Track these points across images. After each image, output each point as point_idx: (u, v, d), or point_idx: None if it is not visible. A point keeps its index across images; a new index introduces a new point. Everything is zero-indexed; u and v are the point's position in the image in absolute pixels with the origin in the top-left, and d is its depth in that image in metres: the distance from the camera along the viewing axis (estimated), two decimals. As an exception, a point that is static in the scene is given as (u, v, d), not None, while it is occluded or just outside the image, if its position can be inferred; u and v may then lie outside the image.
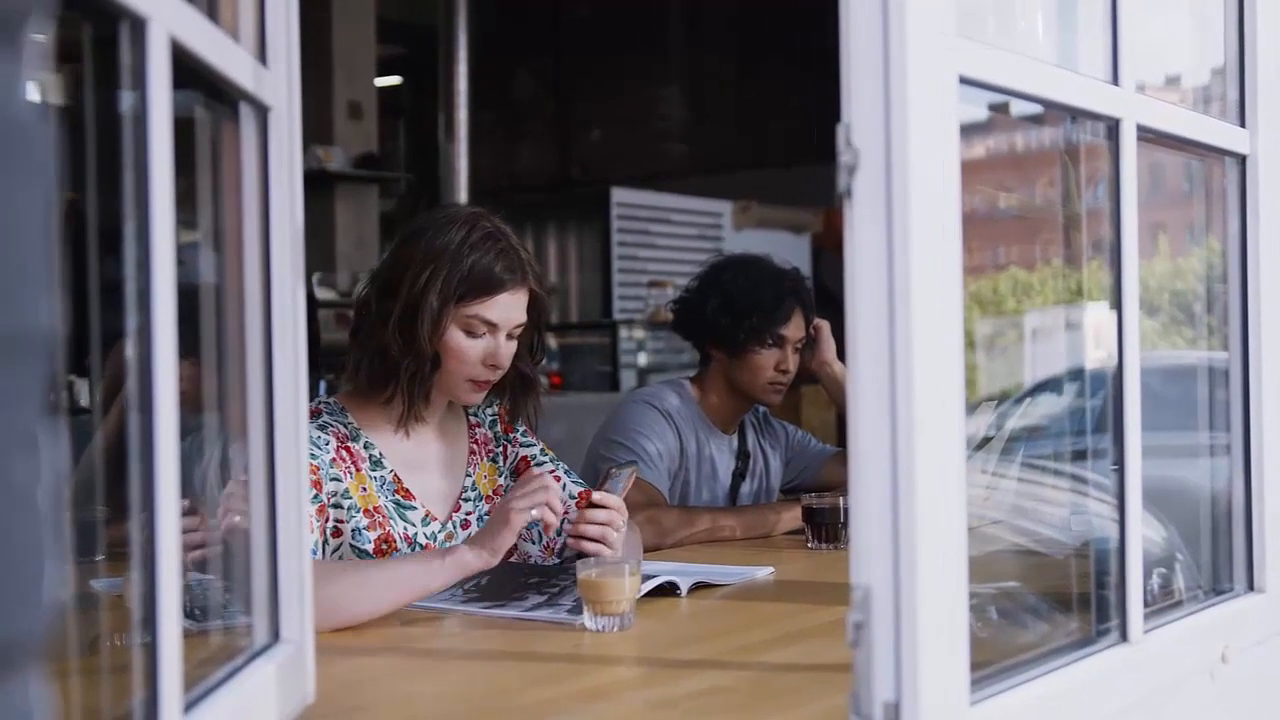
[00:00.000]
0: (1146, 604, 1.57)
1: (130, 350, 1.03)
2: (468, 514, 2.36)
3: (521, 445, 2.47)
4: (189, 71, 1.13)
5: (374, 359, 2.24)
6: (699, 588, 2.21)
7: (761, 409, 3.25)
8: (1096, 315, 1.91)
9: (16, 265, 0.57)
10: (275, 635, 1.39)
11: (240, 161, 1.36)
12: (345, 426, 2.25)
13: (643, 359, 7.59)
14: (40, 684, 0.61)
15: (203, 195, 1.36)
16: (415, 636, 1.91)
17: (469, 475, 2.39)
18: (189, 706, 1.11)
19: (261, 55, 1.37)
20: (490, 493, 2.40)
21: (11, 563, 0.58)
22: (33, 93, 0.60)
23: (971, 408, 1.32)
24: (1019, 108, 1.57)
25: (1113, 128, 1.54)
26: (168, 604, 1.03)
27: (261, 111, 1.36)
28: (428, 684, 1.70)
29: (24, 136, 0.58)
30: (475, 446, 2.42)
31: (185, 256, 1.12)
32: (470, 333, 2.23)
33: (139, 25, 1.01)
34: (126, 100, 1.03)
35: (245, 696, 1.25)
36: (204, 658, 1.31)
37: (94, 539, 1.45)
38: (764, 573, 2.39)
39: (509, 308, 2.24)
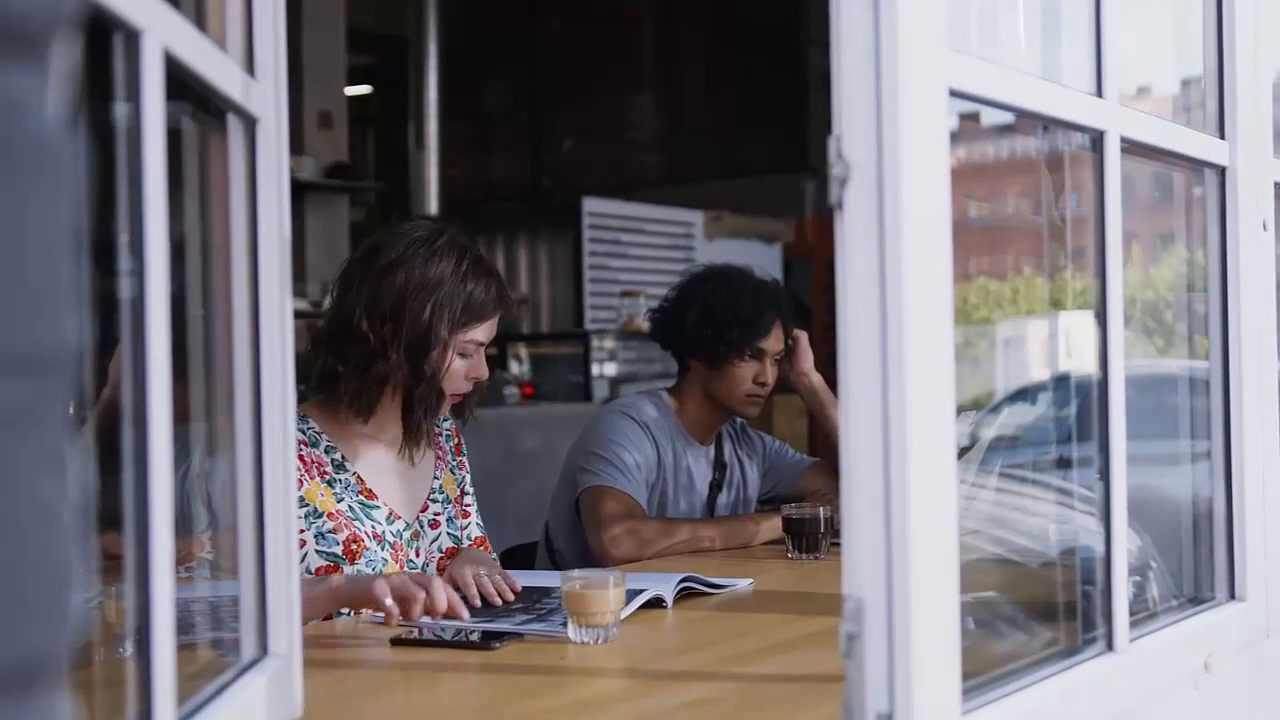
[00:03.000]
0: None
1: (123, 362, 1.03)
2: (436, 514, 2.44)
3: (466, 471, 2.56)
4: (178, 82, 1.12)
5: (375, 386, 2.29)
6: (685, 595, 2.21)
7: (739, 419, 3.25)
8: (1069, 325, 1.92)
9: (43, 281, 0.57)
10: (264, 649, 1.38)
11: (227, 173, 1.36)
12: (303, 432, 2.27)
13: (615, 369, 7.58)
14: (67, 699, 0.61)
15: (190, 206, 1.35)
16: (402, 651, 1.90)
17: (436, 478, 2.47)
18: (181, 722, 1.10)
19: (249, 67, 1.36)
20: (453, 499, 2.49)
21: (41, 579, 0.57)
22: (57, 109, 0.60)
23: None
24: (989, 117, 1.58)
25: (1097, 139, 1.55)
26: (162, 619, 1.02)
27: (250, 123, 1.36)
28: (415, 698, 1.69)
29: (51, 152, 0.58)
30: (440, 452, 2.50)
31: (172, 268, 1.11)
32: (463, 355, 2.33)
33: (133, 37, 1.00)
34: (119, 111, 1.03)
35: (235, 711, 1.24)
36: (192, 672, 1.30)
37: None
38: (744, 584, 2.39)
39: (494, 327, 2.38)
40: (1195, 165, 1.87)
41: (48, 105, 0.59)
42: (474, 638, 1.91)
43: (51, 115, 0.59)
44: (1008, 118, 1.60)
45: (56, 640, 0.59)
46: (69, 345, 0.60)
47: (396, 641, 1.91)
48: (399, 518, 2.36)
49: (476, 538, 2.49)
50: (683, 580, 2.23)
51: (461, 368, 2.33)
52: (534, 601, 2.16)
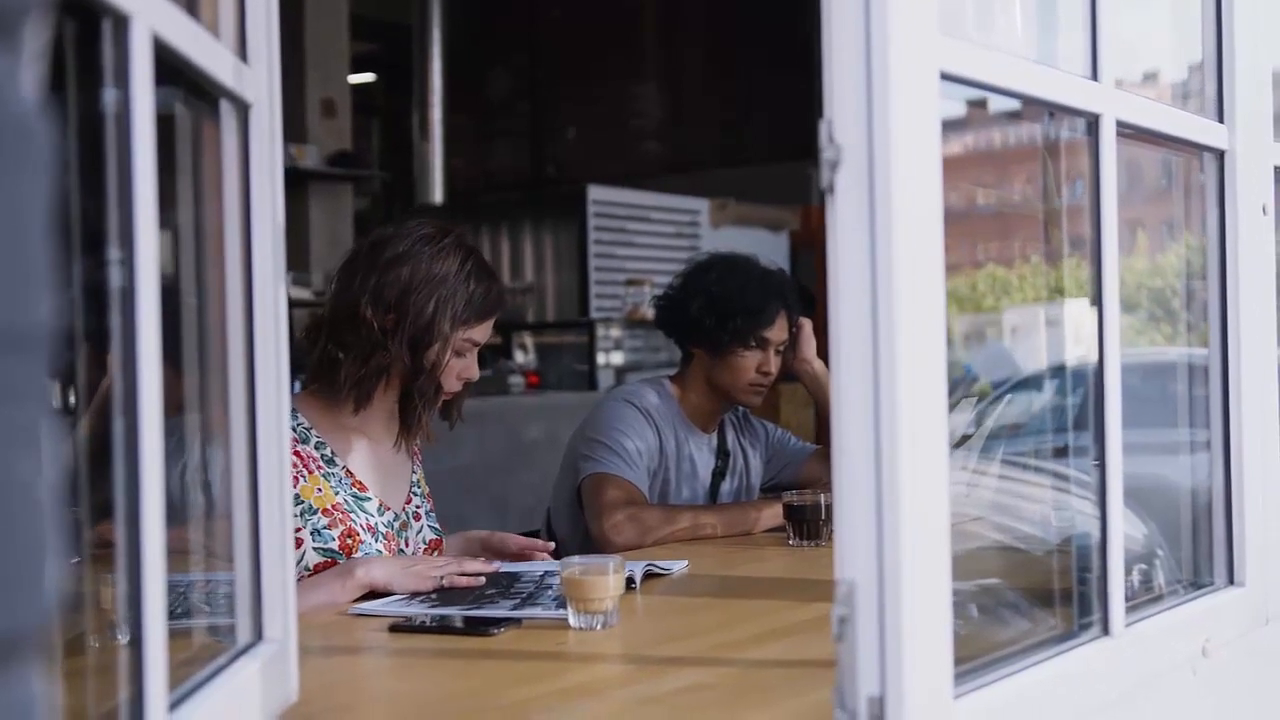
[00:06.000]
0: (1127, 599, 1.58)
1: (113, 351, 1.03)
2: (417, 507, 2.49)
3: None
4: (169, 68, 1.12)
5: (374, 376, 2.32)
6: (681, 582, 2.23)
7: (742, 407, 3.25)
8: (1075, 312, 1.92)
9: (19, 261, 0.58)
10: (259, 634, 1.38)
11: (220, 159, 1.36)
12: (294, 429, 2.28)
13: (620, 358, 7.58)
14: (42, 677, 0.61)
15: (182, 194, 1.35)
16: (399, 638, 1.90)
17: (415, 472, 2.52)
18: (173, 705, 1.10)
19: (242, 52, 1.36)
20: (426, 493, 2.55)
21: (15, 556, 0.58)
22: (31, 90, 0.60)
23: (951, 405, 1.33)
24: (996, 104, 1.58)
25: (1092, 123, 1.55)
26: (152, 604, 1.02)
27: (242, 109, 1.36)
28: (411, 683, 1.70)
29: (24, 134, 0.59)
30: (416, 450, 2.54)
31: (166, 257, 1.11)
32: (458, 353, 2.36)
33: (121, 22, 1.00)
34: (108, 97, 1.03)
35: (229, 695, 1.24)
36: (186, 657, 1.30)
37: (73, 540, 1.44)
38: (679, 566, 2.42)
39: (490, 328, 2.42)
40: (1194, 149, 1.86)
41: (21, 87, 0.60)
42: (472, 624, 1.92)
43: (24, 97, 0.60)
44: (1016, 104, 1.60)
45: (31, 616, 0.59)
46: (44, 325, 0.60)
47: (394, 628, 1.92)
48: (389, 509, 2.40)
49: (431, 540, 2.51)
50: (645, 572, 2.26)
51: (455, 366, 2.36)
52: (508, 587, 2.17)
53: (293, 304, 6.10)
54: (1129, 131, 1.62)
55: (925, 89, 1.22)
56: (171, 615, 1.13)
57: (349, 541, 2.28)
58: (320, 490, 2.29)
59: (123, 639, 1.07)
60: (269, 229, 1.39)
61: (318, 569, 2.24)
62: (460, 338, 2.34)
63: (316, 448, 2.33)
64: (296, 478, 2.25)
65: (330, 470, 2.33)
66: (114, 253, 1.03)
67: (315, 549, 2.25)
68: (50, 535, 0.61)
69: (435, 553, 2.47)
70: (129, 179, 1.02)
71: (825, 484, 2.99)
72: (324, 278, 7.57)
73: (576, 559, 1.98)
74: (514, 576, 2.24)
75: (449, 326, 2.31)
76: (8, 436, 0.57)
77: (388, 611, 2.03)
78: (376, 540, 2.32)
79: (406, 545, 2.41)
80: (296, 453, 2.27)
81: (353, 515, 2.31)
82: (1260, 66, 1.89)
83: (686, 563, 2.44)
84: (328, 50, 7.81)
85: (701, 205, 8.46)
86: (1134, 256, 2.09)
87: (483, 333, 2.39)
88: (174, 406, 1.34)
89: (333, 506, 2.29)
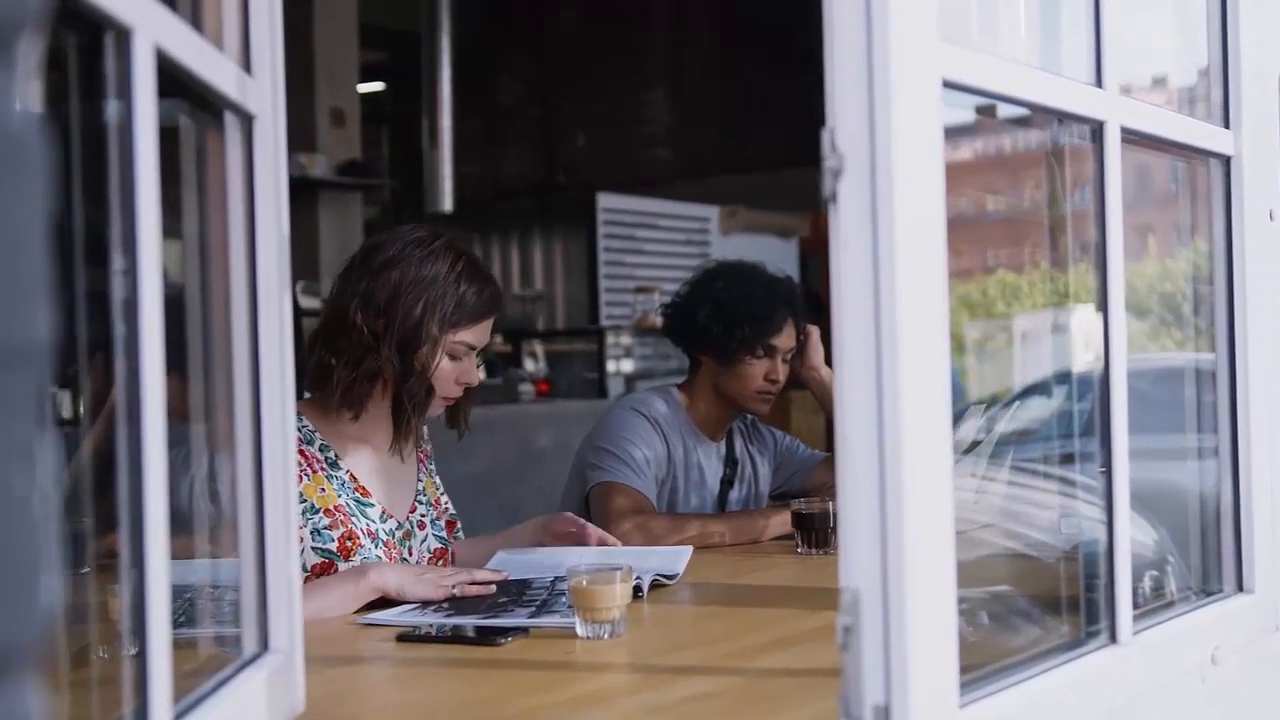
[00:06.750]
0: (1137, 606, 1.58)
1: (118, 361, 1.03)
2: (422, 516, 2.48)
3: (438, 479, 2.59)
4: (173, 80, 1.13)
5: (365, 380, 2.32)
6: (655, 586, 2.25)
7: (750, 415, 3.25)
8: (1085, 318, 1.92)
9: (13, 275, 0.58)
10: (264, 645, 1.38)
11: (225, 170, 1.36)
12: (299, 431, 2.29)
13: (630, 365, 7.57)
14: (36, 691, 0.61)
15: (187, 205, 1.36)
16: (407, 648, 1.90)
17: (420, 480, 2.51)
18: (179, 716, 1.11)
19: (246, 64, 1.36)
20: (433, 501, 2.53)
21: (10, 571, 0.58)
22: (27, 104, 0.60)
23: (960, 411, 1.32)
24: (1005, 110, 1.58)
25: (1097, 130, 1.55)
26: (157, 616, 1.03)
27: (246, 120, 1.36)
28: (418, 693, 1.70)
29: (20, 147, 0.59)
30: (422, 457, 2.54)
31: (169, 267, 1.12)
32: (453, 356, 2.36)
33: (124, 35, 1.00)
34: (111, 109, 1.03)
35: (235, 706, 1.24)
36: (193, 668, 1.30)
37: (81, 551, 1.45)
38: (685, 554, 2.43)
39: (487, 331, 2.40)
40: (1200, 155, 1.86)
41: (15, 102, 0.60)
42: (479, 633, 1.92)
43: (19, 112, 0.60)
44: (1024, 110, 1.59)
45: (26, 630, 0.59)
46: (40, 340, 0.61)
47: (401, 638, 1.92)
48: (391, 516, 2.40)
49: (436, 549, 2.51)
50: (653, 581, 2.26)
51: (451, 370, 2.35)
52: (519, 595, 2.16)
53: (303, 313, 6.10)
54: (1134, 138, 1.62)
55: (927, 96, 1.22)
56: (176, 624, 1.13)
57: (348, 544, 2.27)
58: (323, 490, 2.30)
59: (130, 651, 1.07)
60: (274, 240, 1.39)
61: (315, 570, 2.24)
62: (451, 340, 2.33)
63: (321, 450, 2.34)
64: (300, 476, 2.25)
65: (334, 473, 2.33)
66: (118, 264, 1.03)
67: (314, 548, 2.25)
68: (46, 550, 0.61)
69: (440, 562, 2.47)
70: (132, 191, 1.02)
71: (834, 491, 2.98)
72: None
73: (584, 568, 1.97)
74: (525, 584, 2.24)
75: (438, 328, 2.31)
76: (3, 452, 0.57)
77: (400, 621, 2.02)
78: (376, 546, 2.32)
79: (410, 554, 2.41)
80: (301, 452, 2.27)
81: (354, 519, 2.31)
82: (1266, 72, 1.89)
83: (690, 549, 2.46)
84: (337, 59, 7.81)
85: (711, 212, 8.45)
86: (1144, 262, 2.08)
87: (476, 335, 2.37)
88: (181, 417, 1.34)
89: (334, 508, 2.29)
